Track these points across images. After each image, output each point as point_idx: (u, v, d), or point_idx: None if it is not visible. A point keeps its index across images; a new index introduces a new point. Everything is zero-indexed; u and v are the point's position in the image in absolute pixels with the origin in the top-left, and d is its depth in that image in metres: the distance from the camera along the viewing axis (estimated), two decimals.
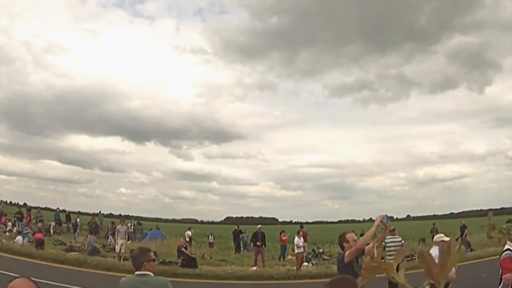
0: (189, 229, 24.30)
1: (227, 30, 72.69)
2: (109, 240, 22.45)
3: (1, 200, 33.88)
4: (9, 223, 23.64)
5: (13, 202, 41.28)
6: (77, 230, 24.59)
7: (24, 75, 66.79)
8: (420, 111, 79.24)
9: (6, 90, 59.91)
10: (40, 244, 17.05)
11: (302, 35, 74.33)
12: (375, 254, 0.80)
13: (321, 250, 21.02)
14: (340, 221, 67.45)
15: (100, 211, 31.31)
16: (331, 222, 64.99)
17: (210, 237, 26.37)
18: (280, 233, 20.11)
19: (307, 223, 60.47)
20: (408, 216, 71.94)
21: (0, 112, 59.04)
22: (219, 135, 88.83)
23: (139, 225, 32.02)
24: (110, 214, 48.44)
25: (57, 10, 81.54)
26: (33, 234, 20.73)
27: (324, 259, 18.83)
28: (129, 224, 29.04)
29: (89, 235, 19.16)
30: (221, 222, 68.69)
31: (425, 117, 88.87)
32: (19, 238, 18.57)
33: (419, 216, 66.56)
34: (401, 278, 0.76)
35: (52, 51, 78.09)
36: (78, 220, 25.91)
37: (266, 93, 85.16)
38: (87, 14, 73.17)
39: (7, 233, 21.46)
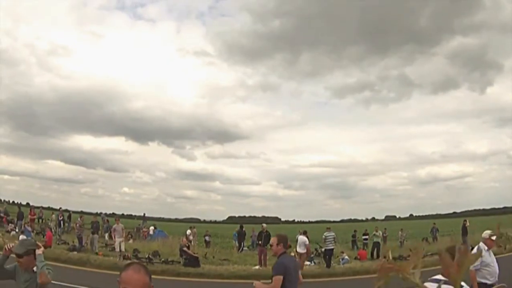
0: (190, 228, 24.31)
1: (229, 33, 73.21)
2: (105, 238, 22.59)
3: (4, 200, 34.01)
4: (11, 223, 23.71)
5: (16, 202, 41.38)
6: (61, 226, 24.61)
7: (28, 76, 67.43)
8: (421, 112, 79.53)
9: (11, 91, 60.52)
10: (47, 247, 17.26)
11: (304, 37, 74.82)
12: (390, 256, 0.78)
13: (323, 250, 20.96)
14: (342, 220, 67.32)
15: (101, 212, 31.39)
16: (334, 222, 64.87)
17: (207, 237, 26.34)
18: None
19: (309, 222, 60.70)
20: (411, 215, 72.07)
21: (5, 113, 59.48)
22: (222, 135, 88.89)
23: (143, 223, 32.12)
24: (113, 213, 48.44)
25: (60, 12, 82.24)
26: (36, 233, 20.80)
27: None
28: (151, 227, 29.02)
29: (91, 234, 19.25)
30: (223, 222, 68.72)
31: (426, 117, 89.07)
32: (22, 237, 18.61)
33: (422, 215, 66.55)
34: (417, 278, 0.74)
35: (56, 53, 78.69)
36: (80, 219, 25.94)
37: (269, 94, 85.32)
38: (90, 16, 73.43)
39: (12, 233, 21.51)
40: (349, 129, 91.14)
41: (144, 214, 38.45)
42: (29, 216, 25.25)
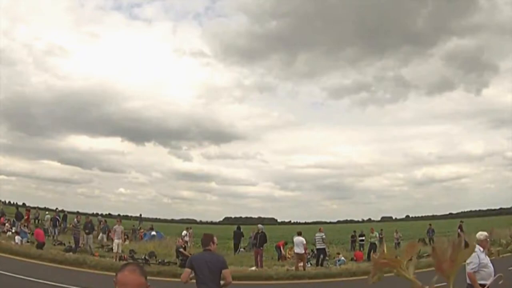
0: (186, 229, 24.25)
1: (226, 33, 73.37)
2: (99, 238, 22.55)
3: (0, 200, 33.79)
4: (7, 224, 23.56)
5: (12, 202, 41.13)
6: (57, 227, 24.50)
7: (25, 76, 67.50)
8: (417, 113, 79.86)
9: (7, 91, 60.31)
10: (41, 244, 17.19)
11: (301, 38, 75.26)
12: (385, 251, 0.80)
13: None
14: (339, 221, 67.34)
15: (98, 213, 31.28)
16: (330, 223, 64.92)
17: None
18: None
19: (305, 223, 60.57)
20: (407, 216, 72.09)
21: (1, 113, 59.14)
22: (218, 136, 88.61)
23: (140, 223, 32.07)
24: (109, 214, 48.33)
25: (58, 13, 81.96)
26: (32, 234, 20.69)
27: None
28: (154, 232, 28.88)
29: (84, 235, 19.12)
30: (220, 223, 68.57)
31: (422, 118, 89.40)
32: (18, 238, 18.55)
33: (418, 217, 66.61)
34: (411, 274, 0.76)
35: (53, 53, 78.43)
36: (75, 220, 25.83)
37: (265, 94, 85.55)
38: (87, 17, 73.45)
39: (8, 233, 21.40)
40: (345, 130, 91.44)
41: (141, 214, 38.41)
42: (25, 217, 25.13)
